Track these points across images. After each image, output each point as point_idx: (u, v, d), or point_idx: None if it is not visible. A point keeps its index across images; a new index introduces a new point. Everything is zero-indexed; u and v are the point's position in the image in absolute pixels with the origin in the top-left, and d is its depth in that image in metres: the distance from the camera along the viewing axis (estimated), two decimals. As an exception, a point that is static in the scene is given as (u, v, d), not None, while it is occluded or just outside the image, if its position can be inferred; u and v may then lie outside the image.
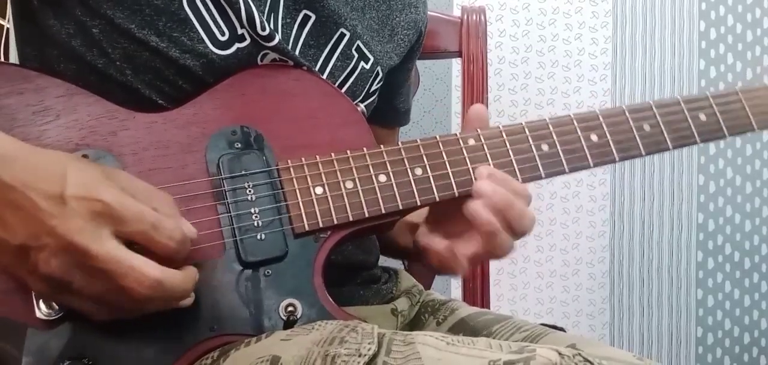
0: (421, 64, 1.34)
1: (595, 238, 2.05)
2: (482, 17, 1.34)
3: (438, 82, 2.02)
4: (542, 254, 2.05)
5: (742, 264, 2.08)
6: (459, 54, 1.34)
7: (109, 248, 0.62)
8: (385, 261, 1.04)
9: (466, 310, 0.95)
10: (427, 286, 1.13)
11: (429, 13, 1.29)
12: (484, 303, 1.31)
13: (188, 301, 0.69)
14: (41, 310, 0.67)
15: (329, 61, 0.88)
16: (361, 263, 0.95)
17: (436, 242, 0.80)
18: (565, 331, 0.87)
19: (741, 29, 2.03)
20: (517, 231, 0.78)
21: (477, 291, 1.31)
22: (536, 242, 2.04)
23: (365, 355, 0.62)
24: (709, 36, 2.03)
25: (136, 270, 0.63)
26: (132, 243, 0.64)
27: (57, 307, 0.67)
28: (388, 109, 1.03)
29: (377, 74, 0.93)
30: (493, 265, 1.90)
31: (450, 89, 2.03)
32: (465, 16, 1.33)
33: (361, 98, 0.92)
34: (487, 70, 1.34)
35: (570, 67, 2.02)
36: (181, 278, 0.67)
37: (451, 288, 1.97)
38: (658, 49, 2.03)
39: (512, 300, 2.05)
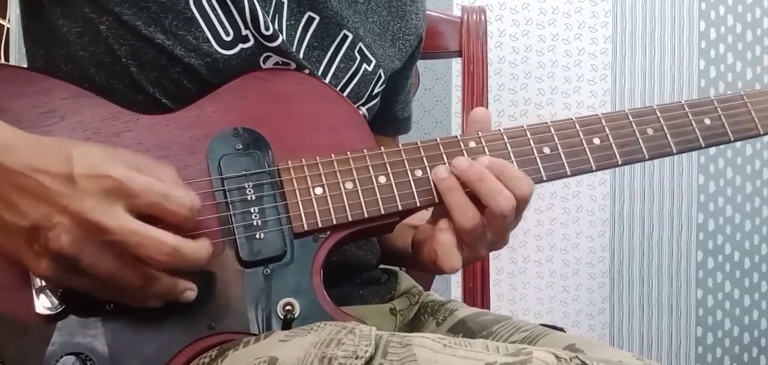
0: (421, 65, 1.34)
1: (595, 238, 2.05)
2: (482, 17, 1.35)
3: (438, 83, 2.02)
4: (542, 254, 2.05)
5: (742, 264, 2.08)
6: (459, 54, 1.34)
7: (124, 222, 0.64)
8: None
9: (466, 311, 0.95)
10: (427, 287, 1.13)
11: (429, 13, 1.30)
12: (484, 303, 1.31)
13: (191, 295, 0.70)
14: (41, 305, 0.68)
15: (333, 63, 0.89)
16: (361, 264, 0.95)
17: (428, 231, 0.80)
18: (564, 332, 0.87)
19: (741, 29, 2.03)
20: (491, 207, 0.77)
21: (477, 291, 1.31)
22: (536, 242, 2.05)
23: (362, 358, 0.62)
24: (709, 36, 2.03)
25: (155, 239, 0.64)
26: (142, 217, 0.65)
27: (56, 302, 0.68)
28: (388, 116, 1.03)
29: (380, 77, 0.94)
30: (493, 265, 1.90)
31: (450, 89, 2.03)
32: (465, 16, 1.34)
33: (364, 100, 0.93)
34: (487, 70, 1.34)
35: (570, 67, 2.02)
36: (197, 245, 0.68)
37: (451, 289, 1.98)
38: (658, 49, 2.03)
39: (512, 300, 2.05)
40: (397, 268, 1.05)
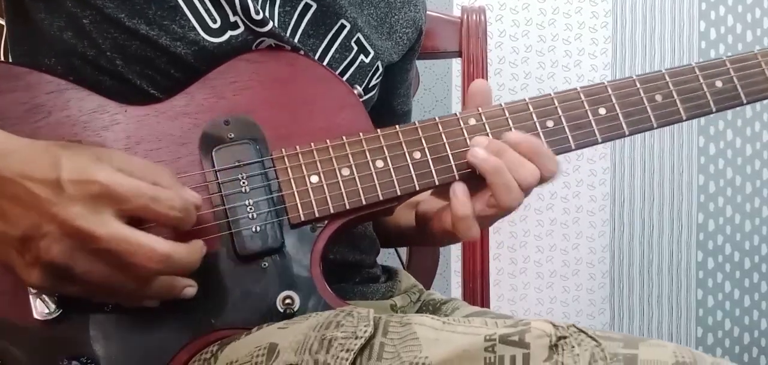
0: (421, 64, 1.34)
1: (595, 238, 2.05)
2: (482, 17, 1.34)
3: (438, 83, 2.02)
4: (542, 254, 2.04)
5: (742, 264, 2.07)
6: (459, 54, 1.34)
7: (113, 229, 0.62)
8: (385, 261, 1.05)
9: (467, 309, 0.96)
10: (427, 286, 1.13)
11: (429, 13, 1.30)
12: (484, 303, 1.31)
13: (191, 291, 0.69)
14: (38, 310, 0.67)
15: (328, 53, 0.88)
16: (359, 263, 0.94)
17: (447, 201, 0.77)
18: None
19: (741, 29, 2.03)
20: (518, 181, 0.75)
21: (477, 291, 1.31)
22: (536, 242, 2.04)
23: (362, 337, 0.62)
24: (709, 36, 2.03)
25: (145, 246, 0.63)
26: (134, 221, 0.64)
27: (54, 306, 0.67)
28: (386, 110, 1.02)
29: (377, 69, 0.93)
30: (493, 265, 1.89)
31: (450, 89, 2.03)
32: (465, 16, 1.33)
33: (360, 92, 0.92)
34: (487, 70, 1.34)
35: (570, 67, 2.02)
36: (189, 249, 0.67)
37: (451, 288, 1.97)
38: (658, 49, 2.03)
39: (512, 300, 2.05)
40: (397, 267, 1.05)
